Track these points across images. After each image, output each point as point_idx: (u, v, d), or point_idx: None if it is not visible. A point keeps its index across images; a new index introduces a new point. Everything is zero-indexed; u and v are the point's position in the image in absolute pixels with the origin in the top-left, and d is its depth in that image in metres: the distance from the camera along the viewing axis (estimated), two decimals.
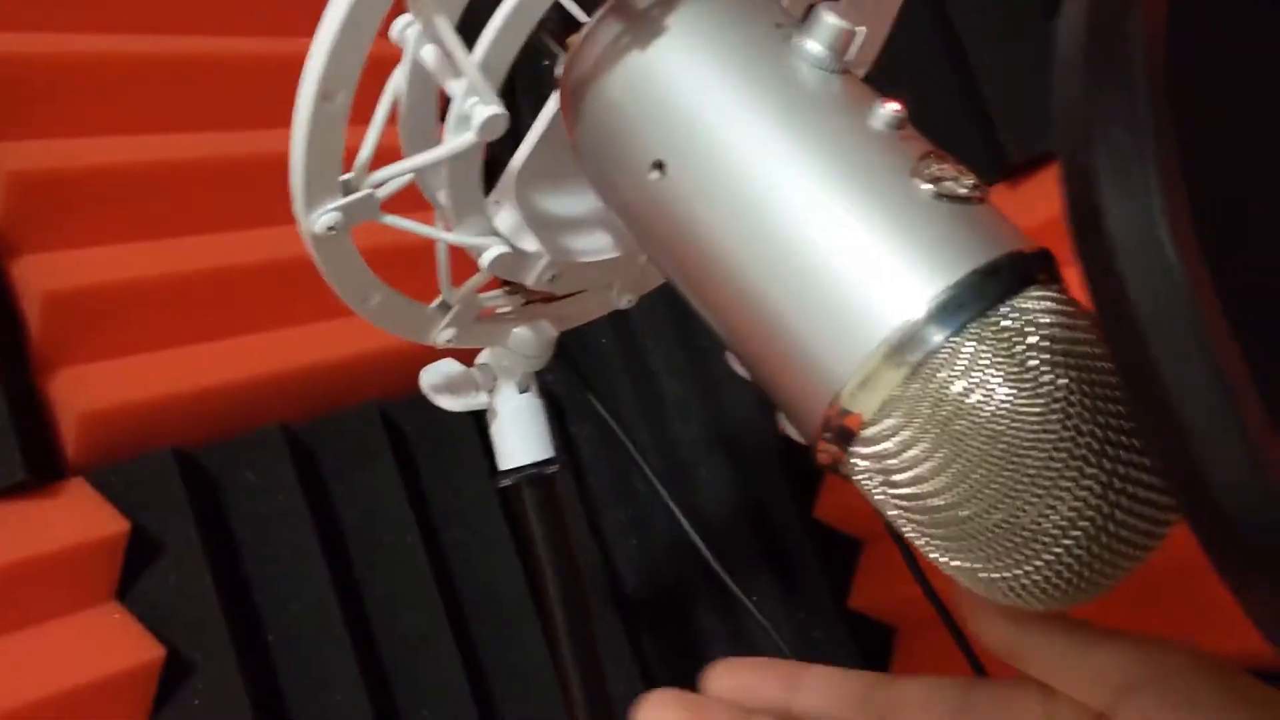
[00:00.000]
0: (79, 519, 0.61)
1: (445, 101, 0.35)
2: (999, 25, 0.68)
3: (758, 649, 0.80)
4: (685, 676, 0.80)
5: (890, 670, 0.82)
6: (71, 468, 0.63)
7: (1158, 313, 0.20)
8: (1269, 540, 0.20)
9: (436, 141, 0.35)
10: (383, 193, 0.36)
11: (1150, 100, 0.20)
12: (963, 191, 0.31)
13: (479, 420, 0.51)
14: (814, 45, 0.33)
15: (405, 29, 0.33)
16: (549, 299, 0.45)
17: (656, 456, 0.83)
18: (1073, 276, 0.25)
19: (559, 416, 0.82)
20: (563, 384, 0.82)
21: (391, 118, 0.35)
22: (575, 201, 0.42)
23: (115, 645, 0.60)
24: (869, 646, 0.80)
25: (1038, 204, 0.64)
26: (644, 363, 0.85)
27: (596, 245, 0.43)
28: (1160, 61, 0.21)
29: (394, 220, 0.36)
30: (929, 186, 0.31)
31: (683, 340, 0.84)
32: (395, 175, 0.35)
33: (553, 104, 0.39)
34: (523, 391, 0.47)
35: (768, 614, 0.79)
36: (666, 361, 0.85)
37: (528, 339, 0.45)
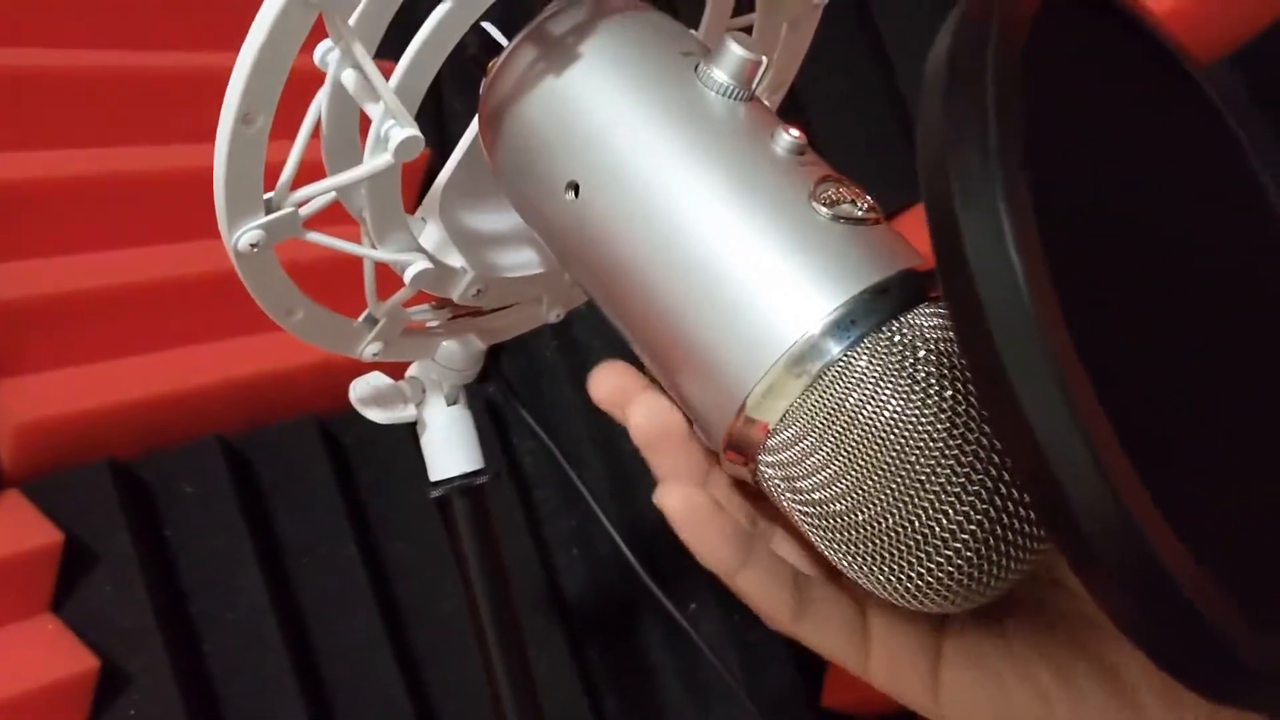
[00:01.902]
0: (13, 531, 0.61)
1: (369, 121, 0.36)
2: (926, 46, 0.70)
3: (699, 658, 0.80)
4: (627, 686, 0.81)
5: (825, 680, 0.83)
6: (6, 479, 0.63)
7: (1006, 334, 0.21)
8: (1123, 557, 0.22)
9: (359, 160, 0.36)
10: (306, 210, 0.37)
11: (1000, 126, 0.21)
12: (859, 214, 0.33)
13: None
14: (720, 74, 0.34)
15: (327, 54, 0.34)
16: (476, 313, 0.46)
17: (602, 469, 0.84)
18: None
19: (500, 428, 0.83)
20: (505, 398, 0.83)
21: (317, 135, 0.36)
22: (500, 218, 0.43)
23: (49, 657, 0.60)
24: (804, 651, 0.81)
25: None
26: (588, 374, 0.86)
27: (522, 261, 0.44)
28: (1015, 88, 0.23)
29: (318, 237, 0.37)
30: (825, 210, 0.32)
31: (629, 351, 0.85)
32: (316, 194, 0.36)
33: (475, 125, 0.40)
34: (451, 404, 0.48)
35: (706, 620, 0.80)
36: None
37: (455, 352, 0.46)
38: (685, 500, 0.34)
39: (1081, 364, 0.21)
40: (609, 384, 0.37)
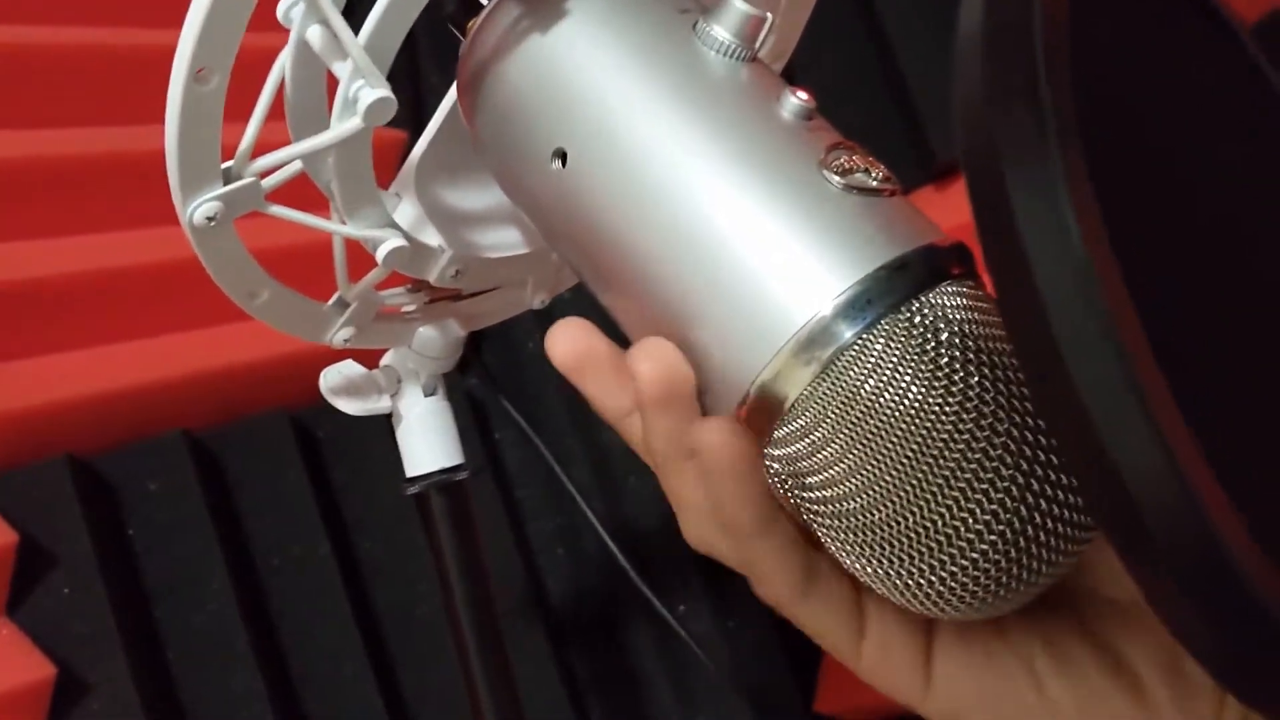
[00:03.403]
0: None
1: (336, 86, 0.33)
2: (928, 26, 0.68)
3: (687, 661, 0.78)
4: (610, 688, 0.79)
5: (819, 681, 0.81)
6: None
7: (1063, 302, 0.19)
8: (1181, 543, 0.19)
9: (327, 128, 0.33)
10: (269, 183, 0.34)
11: (1051, 80, 0.19)
12: (873, 184, 0.30)
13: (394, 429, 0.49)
14: (721, 31, 0.32)
15: (291, 8, 0.32)
16: (455, 297, 0.43)
17: (586, 465, 0.81)
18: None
19: (482, 423, 0.80)
20: (486, 389, 0.81)
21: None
22: (481, 195, 0.41)
23: (3, 663, 0.57)
24: (796, 654, 0.80)
25: (965, 205, 0.64)
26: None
27: (504, 240, 0.41)
28: (1063, 41, 0.20)
29: (281, 211, 0.34)
30: (838, 179, 0.30)
31: (618, 335, 0.83)
32: (279, 163, 0.33)
33: (453, 93, 0.37)
34: (429, 395, 0.45)
35: (696, 622, 0.78)
36: None
37: (433, 339, 0.43)
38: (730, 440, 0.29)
39: (1146, 339, 0.19)
40: (569, 343, 0.32)
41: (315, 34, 0.31)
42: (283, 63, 0.32)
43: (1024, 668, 0.31)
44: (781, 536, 0.30)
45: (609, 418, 0.33)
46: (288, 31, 0.32)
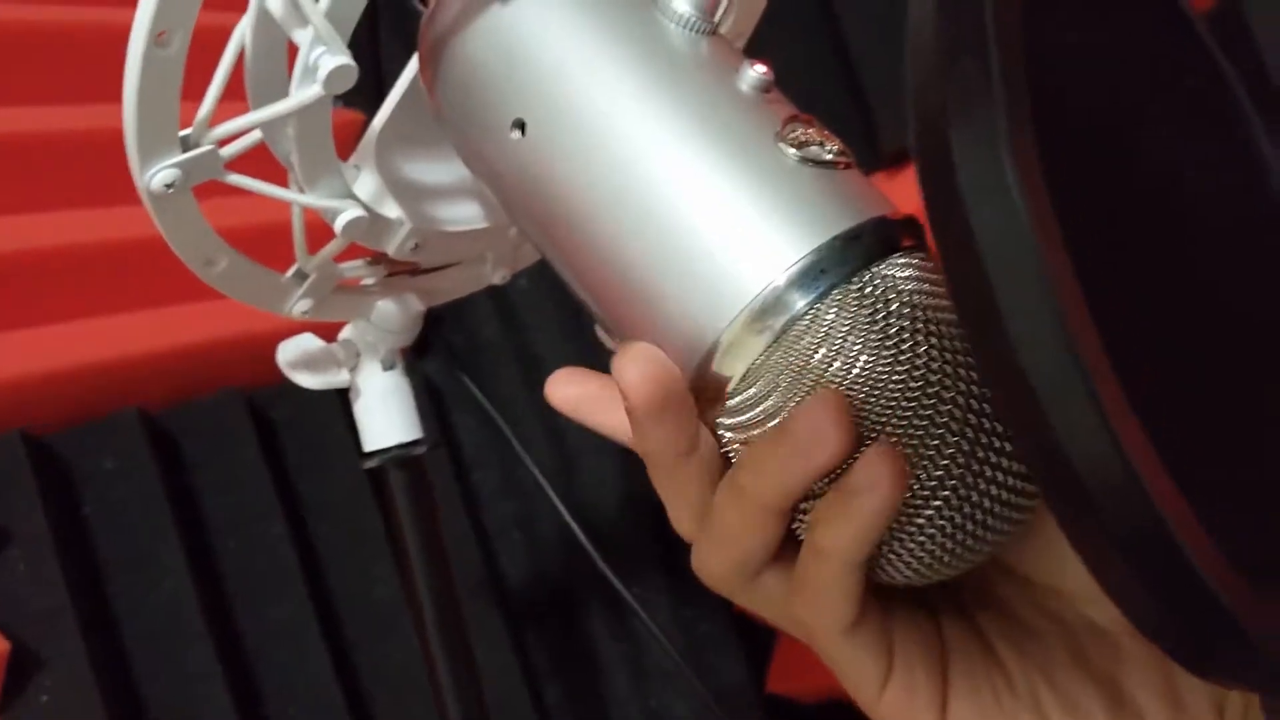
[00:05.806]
0: None
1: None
2: (880, 14, 0.68)
3: (643, 644, 0.79)
4: (568, 673, 0.79)
5: (771, 669, 0.82)
6: None
7: (1001, 257, 0.19)
8: (1113, 500, 0.20)
9: (285, 97, 0.33)
10: (228, 152, 0.34)
11: (1000, 40, 0.20)
12: (828, 157, 0.31)
13: (351, 408, 0.49)
14: (681, 4, 0.32)
15: None
16: (415, 271, 0.43)
17: (544, 448, 0.82)
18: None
19: (439, 408, 0.80)
20: (444, 373, 0.80)
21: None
22: (442, 168, 0.41)
23: None
24: (753, 642, 0.80)
25: (915, 193, 0.64)
26: (531, 352, 0.84)
27: (464, 215, 0.41)
28: (1014, 5, 0.21)
29: (239, 179, 0.34)
30: (794, 151, 0.30)
31: (571, 329, 0.83)
32: (238, 130, 0.33)
33: (414, 64, 0.37)
34: (388, 369, 0.45)
35: (653, 608, 0.78)
36: (554, 351, 0.83)
37: (392, 313, 0.43)
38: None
39: (1084, 300, 0.19)
40: (567, 392, 0.34)
41: (275, 1, 0.31)
42: (243, 31, 0.33)
43: (1031, 709, 0.31)
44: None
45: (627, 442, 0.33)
46: (244, 8, 0.32)
